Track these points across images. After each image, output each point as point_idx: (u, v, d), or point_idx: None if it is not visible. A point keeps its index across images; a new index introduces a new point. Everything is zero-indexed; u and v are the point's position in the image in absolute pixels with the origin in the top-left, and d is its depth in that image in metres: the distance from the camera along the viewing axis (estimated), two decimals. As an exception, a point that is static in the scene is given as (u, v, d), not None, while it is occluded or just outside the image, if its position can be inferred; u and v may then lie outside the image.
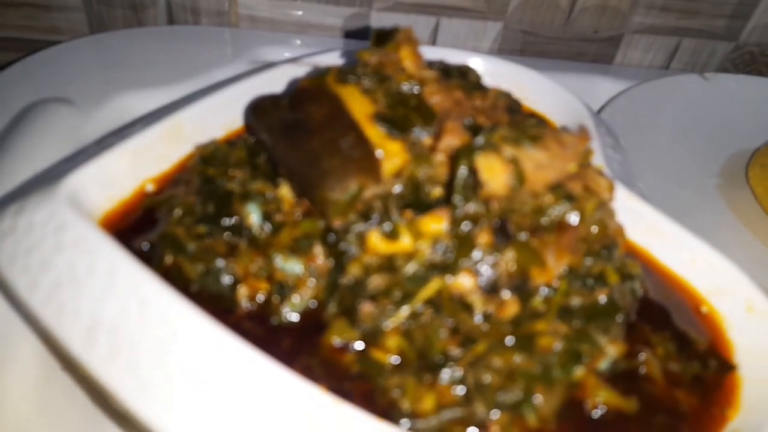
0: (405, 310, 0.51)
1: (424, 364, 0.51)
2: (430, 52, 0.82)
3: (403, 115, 0.61)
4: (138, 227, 0.62)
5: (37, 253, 0.54)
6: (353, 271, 0.53)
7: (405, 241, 0.54)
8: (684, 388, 0.57)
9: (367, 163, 0.57)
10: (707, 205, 1.05)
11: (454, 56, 0.84)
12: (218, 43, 1.16)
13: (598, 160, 0.76)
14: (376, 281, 0.52)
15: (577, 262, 0.58)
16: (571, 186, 0.61)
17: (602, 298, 0.58)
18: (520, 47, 1.42)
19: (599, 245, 0.60)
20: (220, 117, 0.73)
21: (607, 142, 0.82)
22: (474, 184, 0.52)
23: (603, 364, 0.55)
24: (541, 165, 0.53)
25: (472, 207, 0.53)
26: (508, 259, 0.53)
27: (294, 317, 0.55)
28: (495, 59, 0.93)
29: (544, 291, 0.56)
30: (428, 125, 0.60)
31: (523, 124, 0.56)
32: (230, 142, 0.69)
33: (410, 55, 0.63)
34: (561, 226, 0.57)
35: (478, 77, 0.75)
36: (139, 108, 0.95)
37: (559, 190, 0.57)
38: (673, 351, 0.59)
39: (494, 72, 0.90)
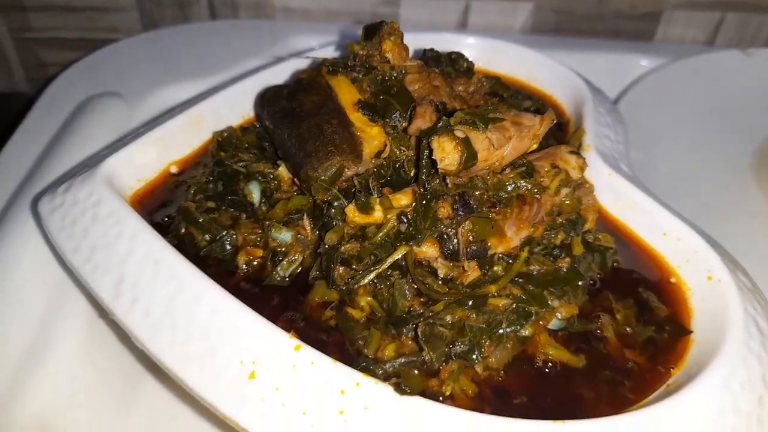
0: (373, 273, 0.59)
1: (390, 320, 0.59)
2: (424, 38, 0.89)
3: (383, 101, 0.68)
4: (162, 203, 0.73)
5: (80, 223, 0.66)
6: (330, 239, 0.61)
7: (377, 214, 0.61)
8: (636, 349, 0.61)
9: (347, 145, 0.65)
10: (738, 185, 1.04)
11: (448, 40, 0.90)
12: (255, 35, 1.26)
13: (588, 137, 0.81)
14: (348, 247, 0.60)
15: (539, 233, 0.63)
16: (539, 163, 0.67)
17: (564, 266, 0.63)
18: (554, 26, 1.43)
19: (564, 218, 0.65)
20: (236, 106, 0.83)
21: (602, 120, 0.86)
22: (434, 163, 0.58)
23: (554, 324, 0.60)
24: (497, 145, 0.59)
25: (435, 183, 0.60)
26: (468, 229, 0.60)
27: (284, 280, 0.64)
28: (492, 40, 0.97)
29: (506, 258, 0.62)
30: (406, 110, 0.67)
31: (485, 108, 0.61)
32: (244, 128, 0.79)
33: (393, 47, 0.70)
34: (521, 200, 0.63)
35: (468, 63, 0.81)
36: (180, 99, 1.06)
37: (520, 167, 0.62)
38: (632, 316, 0.64)
39: (492, 53, 0.95)
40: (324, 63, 0.72)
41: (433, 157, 0.57)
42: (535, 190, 0.62)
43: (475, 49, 0.98)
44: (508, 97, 0.80)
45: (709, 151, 1.09)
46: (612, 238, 0.70)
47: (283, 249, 0.65)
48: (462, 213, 0.60)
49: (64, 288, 0.72)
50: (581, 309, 0.64)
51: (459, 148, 0.57)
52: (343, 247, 0.60)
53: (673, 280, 0.68)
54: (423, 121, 0.63)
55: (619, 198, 0.74)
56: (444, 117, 0.60)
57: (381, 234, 0.60)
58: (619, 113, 0.92)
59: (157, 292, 0.59)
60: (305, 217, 0.65)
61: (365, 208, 0.61)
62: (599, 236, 0.69)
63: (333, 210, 0.64)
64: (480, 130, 0.59)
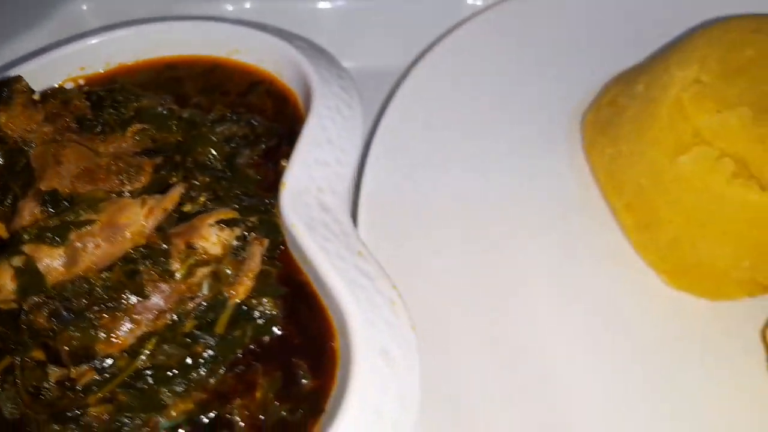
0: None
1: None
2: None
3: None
4: None
5: None
6: None
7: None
8: (266, 432, 0.62)
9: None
10: (562, 149, 0.93)
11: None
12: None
13: (289, 171, 0.74)
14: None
15: (161, 324, 0.61)
16: (177, 241, 0.63)
17: (198, 354, 0.62)
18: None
19: (196, 304, 0.63)
20: None
21: (322, 137, 0.78)
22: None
23: (163, 424, 0.61)
24: (72, 262, 0.55)
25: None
26: (67, 338, 0.58)
27: None
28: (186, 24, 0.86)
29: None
30: (26, 192, 0.62)
31: (74, 211, 0.56)
32: None
33: (9, 120, 0.63)
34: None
35: (141, 103, 0.72)
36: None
37: (123, 266, 0.59)
38: (272, 393, 0.64)
39: (197, 35, 0.85)
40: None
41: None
42: (148, 289, 0.59)
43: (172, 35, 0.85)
44: (174, 149, 0.70)
45: (537, 107, 0.95)
46: (277, 303, 0.67)
47: None
48: (58, 325, 0.58)
49: None
50: (220, 390, 0.64)
51: (16, 278, 0.53)
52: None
53: (334, 344, 0.67)
54: (21, 219, 0.59)
55: (295, 250, 0.71)
56: (22, 228, 0.55)
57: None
58: (356, 109, 0.82)
59: None
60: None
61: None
62: (263, 301, 0.67)
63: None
64: (55, 245, 0.55)
